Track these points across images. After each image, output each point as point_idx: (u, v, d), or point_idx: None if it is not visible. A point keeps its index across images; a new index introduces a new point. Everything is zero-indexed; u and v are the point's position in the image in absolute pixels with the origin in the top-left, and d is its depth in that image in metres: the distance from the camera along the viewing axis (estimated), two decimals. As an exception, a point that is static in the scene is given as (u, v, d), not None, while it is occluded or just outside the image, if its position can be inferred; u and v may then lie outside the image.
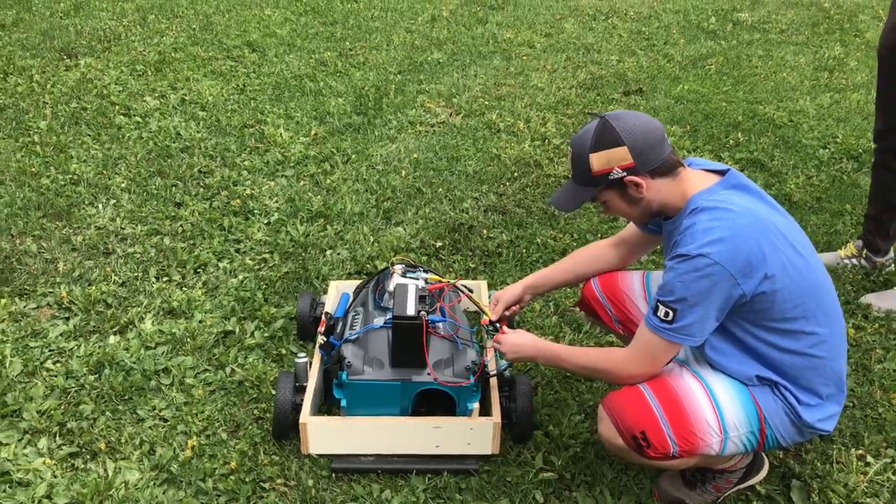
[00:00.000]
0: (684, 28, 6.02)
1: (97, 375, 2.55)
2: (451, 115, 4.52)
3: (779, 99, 4.76)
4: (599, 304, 2.33)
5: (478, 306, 2.52)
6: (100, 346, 2.68)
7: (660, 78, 5.05)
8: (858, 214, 3.56)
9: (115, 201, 3.58)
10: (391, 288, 2.46)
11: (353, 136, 4.22)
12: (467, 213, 3.52)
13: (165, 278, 3.08)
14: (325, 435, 2.25)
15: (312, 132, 4.24)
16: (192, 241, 3.31)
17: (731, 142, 4.20)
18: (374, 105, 4.59)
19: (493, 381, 2.37)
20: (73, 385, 2.52)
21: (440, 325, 2.39)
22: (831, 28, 6.06)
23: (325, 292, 2.86)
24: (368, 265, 3.15)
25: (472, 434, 2.25)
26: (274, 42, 5.52)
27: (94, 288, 2.97)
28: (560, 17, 6.19)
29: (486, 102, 4.67)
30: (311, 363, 2.41)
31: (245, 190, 3.68)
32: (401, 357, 2.28)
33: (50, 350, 2.67)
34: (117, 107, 4.49)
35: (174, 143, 4.11)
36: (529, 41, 5.69)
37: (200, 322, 2.81)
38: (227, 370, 2.60)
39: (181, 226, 3.40)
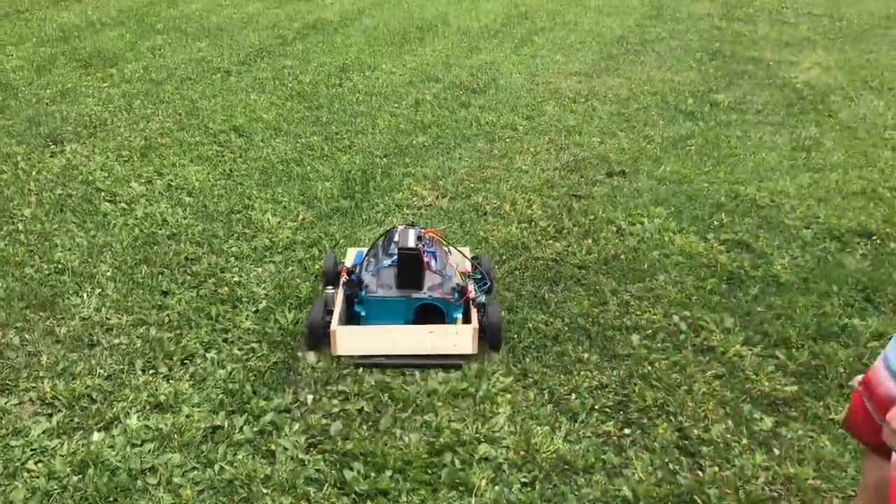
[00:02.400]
0: (663, 109, 6.15)
1: (81, 476, 2.47)
2: (437, 197, 4.55)
3: (759, 179, 4.84)
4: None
5: (460, 252, 3.52)
6: (84, 444, 2.60)
7: (642, 159, 5.13)
8: (845, 295, 3.58)
9: (100, 290, 3.53)
10: (397, 237, 3.30)
11: (341, 219, 4.23)
12: (457, 299, 3.50)
13: (152, 370, 3.02)
14: (348, 339, 3.04)
15: (300, 217, 4.25)
16: (178, 331, 3.26)
17: (715, 223, 4.24)
18: (362, 188, 4.62)
19: (473, 310, 3.17)
20: (55, 487, 2.43)
21: (432, 261, 3.22)
22: (805, 108, 6.22)
23: (345, 255, 3.74)
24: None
25: (456, 337, 3.06)
26: (260, 126, 5.58)
27: (78, 382, 2.90)
28: (541, 101, 6.32)
29: (472, 185, 4.72)
30: (336, 294, 3.23)
31: (233, 277, 3.65)
32: (404, 280, 3.13)
33: (32, 449, 2.59)
34: (103, 193, 4.48)
35: (160, 229, 4.09)
36: (512, 124, 5.78)
37: (188, 417, 2.75)
38: (216, 468, 2.52)
39: (168, 315, 3.36)
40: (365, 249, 3.60)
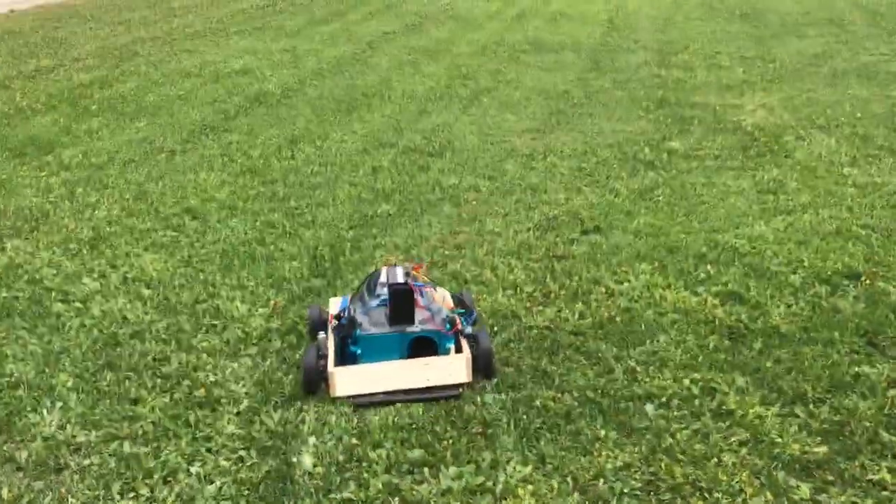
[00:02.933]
0: (622, 161, 6.11)
1: None
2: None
3: (734, 226, 4.79)
4: None
5: (441, 289, 3.68)
6: None
7: (613, 213, 5.03)
8: (848, 342, 3.49)
9: (61, 404, 3.20)
10: (383, 277, 3.41)
11: (315, 300, 3.98)
12: (454, 379, 3.28)
13: (132, 494, 2.71)
14: (346, 379, 3.13)
15: (271, 302, 3.99)
16: (155, 444, 2.95)
17: (701, 275, 4.14)
18: (332, 265, 4.39)
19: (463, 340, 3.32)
20: None
21: (420, 297, 3.33)
22: (761, 151, 6.26)
23: (328, 304, 3.75)
24: (359, 450, 2.86)
25: (450, 366, 3.18)
26: (214, 207, 5.32)
27: (48, 517, 2.57)
28: (499, 160, 6.22)
29: (446, 252, 4.53)
30: (327, 339, 3.32)
31: (207, 376, 3.36)
32: (397, 315, 3.25)
33: None
34: (53, 293, 4.14)
35: (121, 328, 3.78)
36: (475, 185, 5.65)
37: (180, 547, 2.44)
38: None
39: (141, 426, 3.05)
40: (348, 296, 3.70)
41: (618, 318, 3.72)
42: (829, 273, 4.11)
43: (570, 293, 4.00)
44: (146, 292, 4.14)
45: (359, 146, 6.62)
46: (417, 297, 3.31)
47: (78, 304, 4.02)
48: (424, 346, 3.24)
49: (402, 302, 3.25)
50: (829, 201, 5.14)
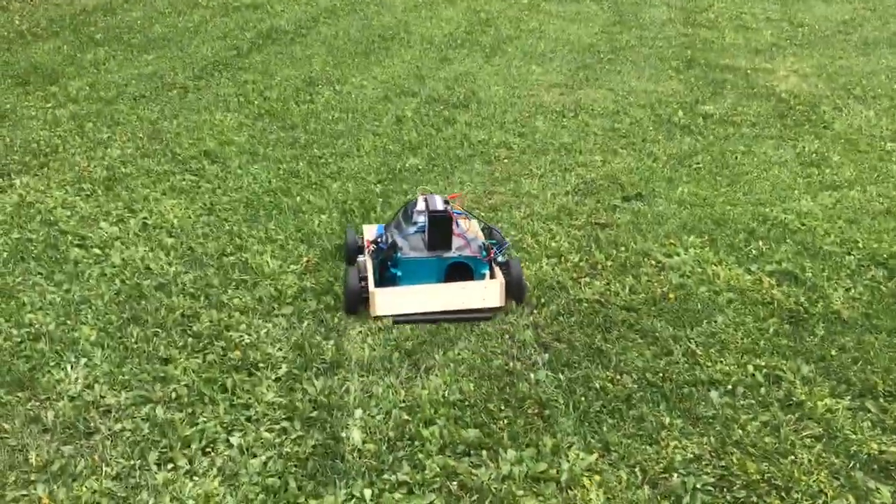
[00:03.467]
0: (656, 124, 5.87)
1: None
2: (448, 230, 4.13)
3: (780, 199, 4.59)
4: None
5: (480, 219, 3.83)
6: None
7: (653, 180, 4.82)
8: (914, 331, 3.33)
9: (86, 360, 3.00)
10: (420, 205, 3.52)
11: (349, 260, 3.77)
12: (504, 353, 3.11)
13: (170, 465, 2.52)
14: (386, 299, 3.26)
15: (303, 259, 3.77)
16: (190, 410, 2.77)
17: (753, 252, 3.95)
18: (363, 221, 4.17)
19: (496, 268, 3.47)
20: None
21: (456, 225, 3.46)
22: (798, 120, 6.04)
23: (361, 231, 3.86)
24: (410, 427, 2.68)
25: (486, 291, 3.32)
26: (234, 151, 5.06)
27: (82, 487, 2.39)
28: (528, 115, 5.97)
29: (482, 214, 4.32)
30: (367, 262, 3.49)
31: (241, 337, 3.17)
32: (435, 241, 3.37)
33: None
34: (69, 236, 3.91)
35: (145, 279, 3.56)
36: (505, 142, 5.41)
37: (228, 529, 2.27)
38: None
39: (174, 390, 2.86)
40: (382, 224, 3.84)
41: (671, 295, 3.54)
42: (884, 256, 3.94)
43: (617, 265, 3.81)
44: (168, 241, 3.91)
45: (379, 93, 6.34)
46: (454, 224, 3.45)
47: (97, 251, 3.79)
48: (460, 272, 3.40)
49: (440, 228, 3.38)
50: (876, 178, 4.95)
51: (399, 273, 3.38)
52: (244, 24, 8.24)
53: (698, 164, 5.11)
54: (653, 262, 3.82)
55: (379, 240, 3.53)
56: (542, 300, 3.49)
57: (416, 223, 3.52)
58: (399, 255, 3.38)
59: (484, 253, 3.43)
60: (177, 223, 4.09)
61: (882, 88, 6.86)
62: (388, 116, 5.81)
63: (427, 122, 5.73)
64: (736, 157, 5.24)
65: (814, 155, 5.32)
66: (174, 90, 6.19)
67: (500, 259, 3.53)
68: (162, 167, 4.76)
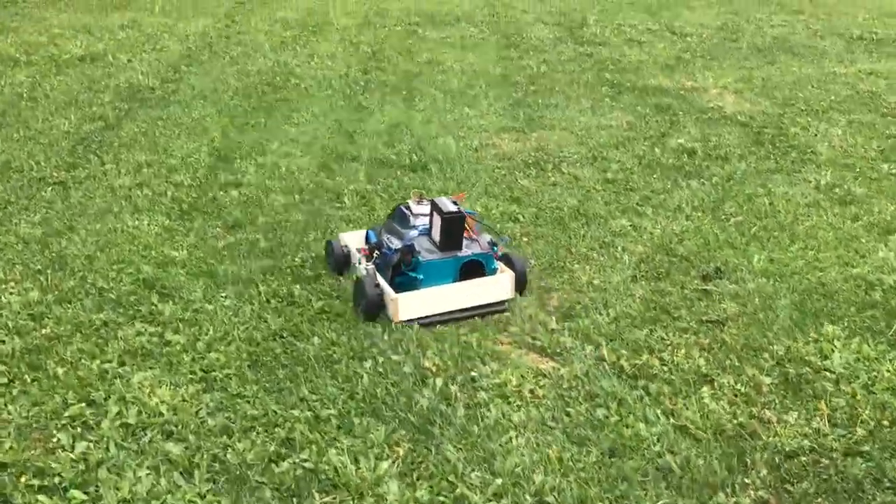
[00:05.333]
0: (646, 167, 5.19)
1: None
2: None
3: (857, 253, 4.03)
4: None
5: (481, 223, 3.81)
6: None
7: (712, 247, 4.10)
8: None
9: None
10: (417, 208, 3.59)
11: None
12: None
13: None
14: (410, 304, 3.32)
15: (396, 451, 2.64)
16: None
17: (899, 333, 3.32)
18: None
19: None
20: None
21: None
22: (781, 148, 5.58)
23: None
24: None
25: (499, 285, 3.46)
26: (183, 275, 3.73)
27: None
28: (503, 172, 5.08)
29: (554, 328, 3.37)
30: (373, 270, 3.43)
31: None
32: (449, 241, 3.44)
33: None
34: None
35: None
36: (506, 213, 4.49)
37: None
38: None
39: None
40: (372, 230, 3.76)
41: (885, 425, 2.79)
42: None
43: (780, 382, 3.01)
44: (175, 451, 2.62)
45: (313, 161, 5.17)
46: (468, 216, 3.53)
47: None
48: (472, 269, 3.46)
49: (454, 228, 3.42)
50: (917, 209, 4.54)
51: (421, 276, 3.39)
52: (91, 83, 6.64)
53: (733, 215, 4.46)
54: (829, 378, 3.05)
55: (380, 246, 3.54)
56: (722, 454, 2.61)
57: (415, 226, 3.55)
58: (419, 258, 3.39)
59: (495, 248, 3.55)
60: (174, 416, 2.79)
61: (821, 100, 6.64)
62: (347, 195, 4.67)
63: (397, 197, 4.65)
64: (765, 203, 4.65)
65: (836, 189, 4.85)
66: (48, 188, 4.66)
67: (500, 253, 3.63)
68: (98, 318, 3.36)
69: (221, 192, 4.65)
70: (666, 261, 3.95)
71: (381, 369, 3.06)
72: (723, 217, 4.46)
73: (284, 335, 3.28)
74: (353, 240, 3.78)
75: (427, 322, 3.32)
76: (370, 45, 8.13)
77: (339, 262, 3.68)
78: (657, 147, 5.55)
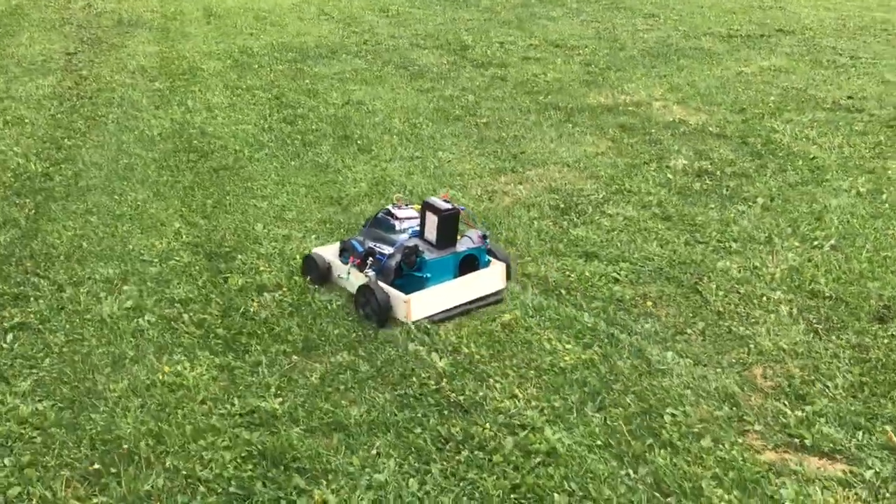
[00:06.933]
0: (678, 194, 4.80)
1: None
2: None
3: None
4: None
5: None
6: None
7: (838, 278, 3.77)
8: None
9: None
10: (401, 213, 3.76)
11: None
12: None
13: None
14: (422, 303, 3.43)
15: None
16: None
17: None
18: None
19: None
20: None
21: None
22: (779, 161, 5.45)
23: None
24: None
25: (493, 276, 3.65)
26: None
27: None
28: (518, 222, 4.47)
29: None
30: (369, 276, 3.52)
31: None
32: (447, 239, 3.58)
33: None
34: None
35: None
36: (604, 275, 3.89)
37: None
38: None
39: None
40: (354, 239, 3.79)
41: None
42: None
43: None
44: None
45: (324, 243, 4.23)
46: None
47: None
48: (468, 263, 3.60)
49: (451, 225, 3.55)
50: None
51: (428, 275, 3.50)
52: None
53: (824, 238, 4.19)
54: None
55: (371, 253, 3.62)
56: None
57: (403, 230, 3.67)
58: (426, 257, 3.49)
59: (487, 241, 3.68)
60: None
61: (762, 101, 6.66)
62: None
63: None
64: (834, 221, 4.42)
65: (870, 197, 4.74)
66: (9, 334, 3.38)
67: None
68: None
69: (251, 302, 3.63)
70: (822, 304, 3.56)
71: None
72: (816, 244, 4.17)
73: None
74: (327, 253, 3.84)
75: (439, 318, 3.44)
76: (265, 90, 7.09)
77: (323, 274, 3.75)
78: (667, 172, 5.20)
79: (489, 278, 3.62)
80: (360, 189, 4.96)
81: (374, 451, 2.73)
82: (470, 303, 3.54)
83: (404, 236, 3.64)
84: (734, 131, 5.97)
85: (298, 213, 4.63)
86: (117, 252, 4.11)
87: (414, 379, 3.10)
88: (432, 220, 3.54)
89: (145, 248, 4.16)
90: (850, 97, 6.76)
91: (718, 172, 5.18)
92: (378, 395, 3.02)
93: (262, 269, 3.94)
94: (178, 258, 4.05)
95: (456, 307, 3.50)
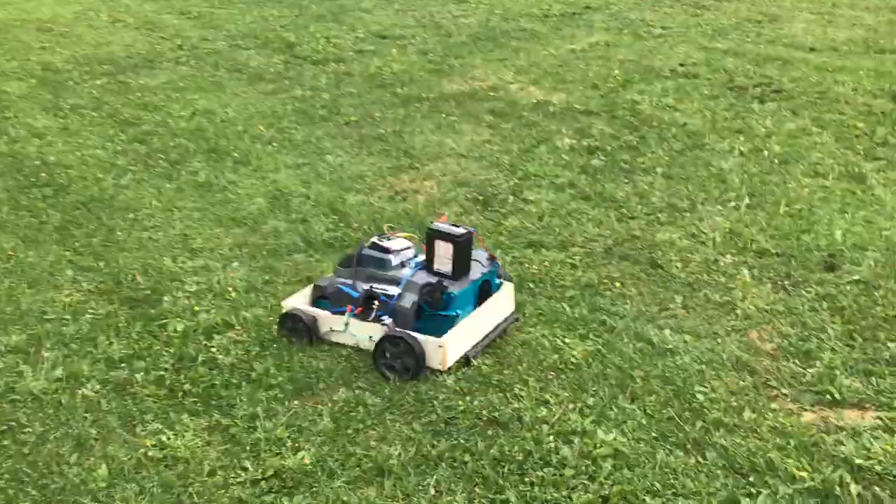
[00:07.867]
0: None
1: None
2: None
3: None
4: None
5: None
6: None
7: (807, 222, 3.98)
8: None
9: None
10: (393, 246, 3.25)
11: None
12: None
13: None
14: (456, 346, 3.02)
15: None
16: None
17: None
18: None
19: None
20: None
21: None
22: (658, 132, 5.67)
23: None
24: None
25: (506, 299, 3.31)
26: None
27: None
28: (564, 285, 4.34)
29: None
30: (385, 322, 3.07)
31: None
32: (465, 266, 3.15)
33: None
34: None
35: None
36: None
37: None
38: None
39: None
40: (343, 284, 3.26)
41: None
42: None
43: None
44: None
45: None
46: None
47: None
48: (483, 289, 3.27)
49: (467, 252, 3.18)
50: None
51: (457, 312, 3.12)
52: None
53: (725, 198, 4.42)
54: None
55: (373, 297, 3.15)
56: None
57: (402, 264, 3.23)
58: (454, 293, 3.09)
59: (496, 264, 3.36)
60: None
61: (612, 76, 6.91)
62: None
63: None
64: (721, 183, 4.67)
65: (753, 156, 5.07)
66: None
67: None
68: None
69: (203, 348, 3.18)
70: (773, 262, 3.72)
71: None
72: (733, 205, 4.37)
73: None
74: (303, 304, 3.31)
75: (472, 356, 3.08)
76: (95, 109, 6.29)
77: (312, 329, 3.20)
78: (560, 153, 5.25)
79: (505, 301, 3.31)
80: (259, 205, 4.56)
81: (433, 491, 2.49)
82: (492, 330, 3.20)
83: (407, 271, 3.19)
84: (599, 107, 6.14)
85: (204, 240, 4.16)
86: (14, 314, 3.45)
87: (435, 404, 2.87)
88: (446, 249, 3.11)
89: (45, 304, 3.54)
90: (682, 64, 7.19)
91: (608, 147, 5.31)
92: (405, 428, 2.77)
93: (196, 308, 3.49)
94: (92, 310, 3.48)
95: (482, 340, 3.14)
